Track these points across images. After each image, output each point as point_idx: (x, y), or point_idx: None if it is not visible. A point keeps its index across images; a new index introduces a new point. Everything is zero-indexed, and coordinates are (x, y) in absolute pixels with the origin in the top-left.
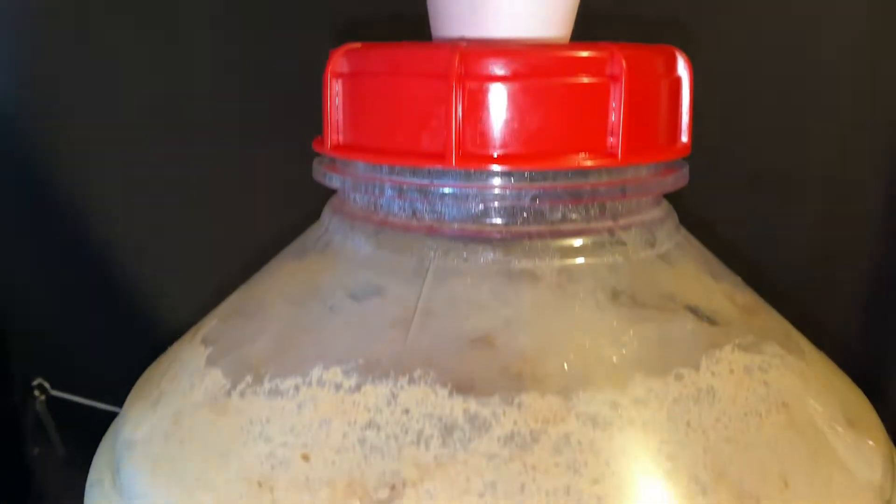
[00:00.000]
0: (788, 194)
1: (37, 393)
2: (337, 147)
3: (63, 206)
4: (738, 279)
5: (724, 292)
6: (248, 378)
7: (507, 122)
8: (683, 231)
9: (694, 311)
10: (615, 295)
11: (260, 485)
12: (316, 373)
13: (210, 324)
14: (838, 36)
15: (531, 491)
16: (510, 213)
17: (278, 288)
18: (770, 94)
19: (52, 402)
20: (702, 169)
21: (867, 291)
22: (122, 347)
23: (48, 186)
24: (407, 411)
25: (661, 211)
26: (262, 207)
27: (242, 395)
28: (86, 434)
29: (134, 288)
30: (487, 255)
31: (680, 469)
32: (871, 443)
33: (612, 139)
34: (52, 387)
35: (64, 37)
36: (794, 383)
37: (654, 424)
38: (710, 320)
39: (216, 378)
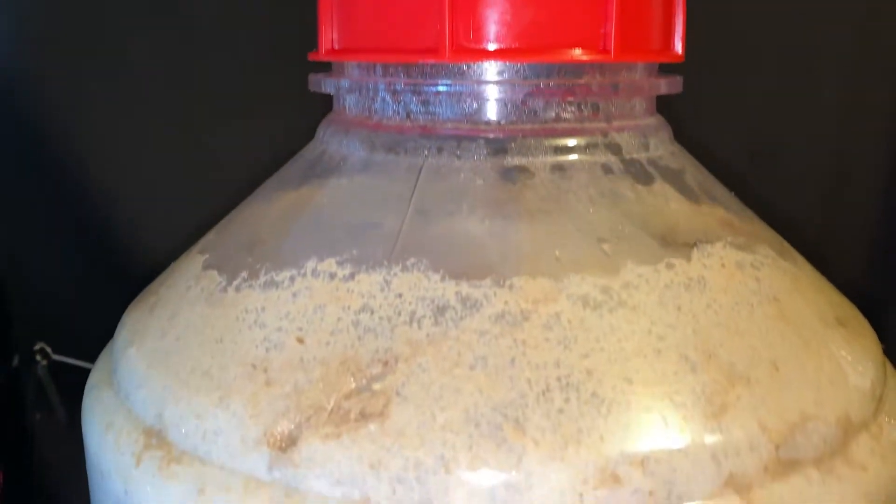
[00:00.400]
0: (789, 168)
1: (38, 357)
2: (331, 51)
3: (63, 171)
4: (732, 195)
5: (717, 198)
6: (244, 274)
7: (501, 16)
8: (678, 145)
9: (687, 209)
10: (608, 191)
11: (254, 367)
12: (311, 264)
13: (207, 237)
14: (839, 6)
15: (521, 364)
16: (504, 111)
17: (274, 196)
18: (770, 67)
19: (54, 366)
20: (701, 144)
21: (868, 269)
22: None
23: (49, 152)
24: (400, 295)
25: (656, 120)
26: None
27: (238, 289)
28: None
29: (137, 252)
30: (481, 153)
31: (670, 348)
32: (862, 340)
33: (605, 35)
34: (54, 351)
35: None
36: (786, 283)
37: (644, 307)
38: (703, 219)
39: (212, 277)
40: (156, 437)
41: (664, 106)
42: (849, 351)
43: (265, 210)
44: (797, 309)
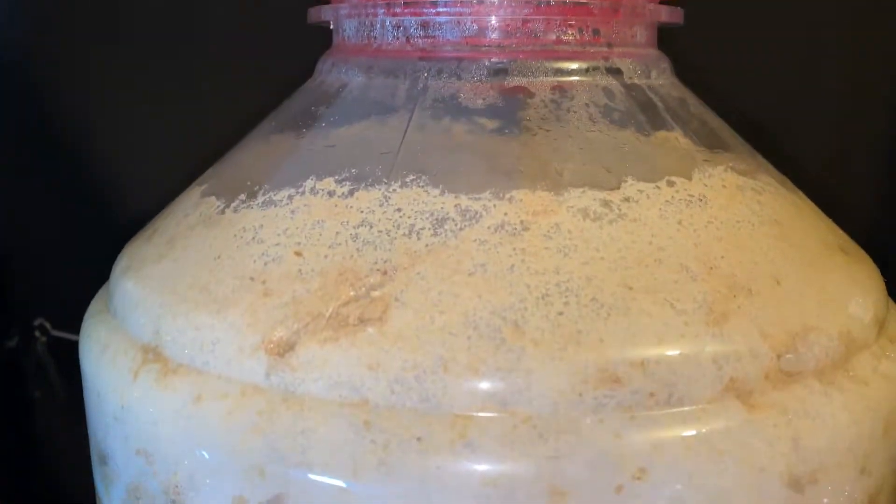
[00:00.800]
0: (790, 143)
1: (37, 334)
2: None
3: (63, 145)
4: (732, 130)
5: (717, 129)
6: (242, 196)
7: None
8: (678, 79)
9: (688, 133)
10: (609, 111)
11: (252, 279)
12: (309, 183)
13: (206, 174)
14: None
15: (520, 271)
16: (504, 33)
17: (273, 130)
18: (772, 39)
19: (53, 342)
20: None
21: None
22: None
23: (49, 125)
24: (399, 210)
25: (657, 53)
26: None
27: (236, 210)
28: None
29: (138, 227)
30: (481, 73)
31: (670, 258)
32: (864, 267)
33: None
34: (53, 327)
35: None
36: (789, 209)
37: (644, 220)
38: (704, 144)
39: (210, 203)
40: (152, 353)
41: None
42: (851, 274)
43: (264, 142)
44: (799, 233)
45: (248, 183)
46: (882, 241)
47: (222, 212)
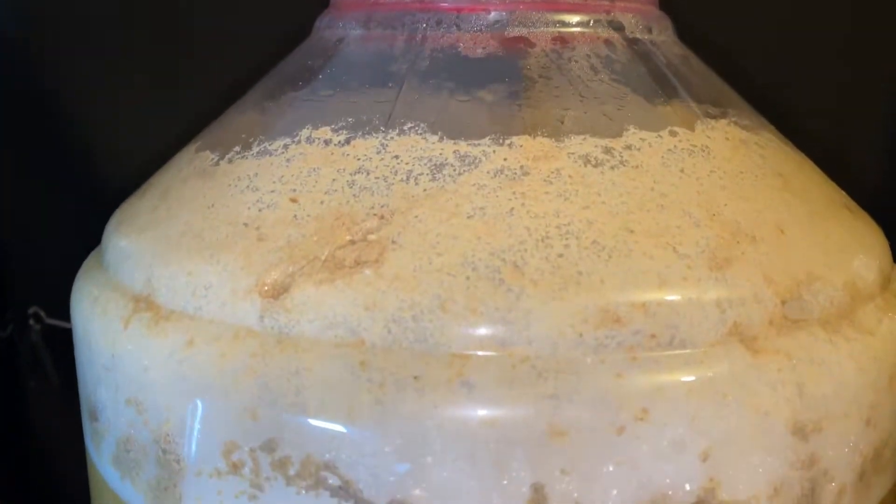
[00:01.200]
0: (789, 128)
1: (32, 322)
2: None
3: (58, 134)
4: (735, 93)
5: (719, 87)
6: (237, 148)
7: None
8: (680, 42)
9: (690, 87)
10: (610, 62)
11: (246, 225)
12: (305, 133)
13: (200, 134)
14: None
15: (520, 214)
16: None
17: (270, 80)
18: (772, 25)
19: (47, 330)
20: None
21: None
22: None
23: (42, 115)
24: (397, 157)
25: (660, 13)
26: None
27: (230, 161)
28: None
29: None
30: (481, 24)
31: (673, 204)
32: (868, 223)
33: None
34: (48, 315)
35: None
36: (792, 165)
37: (646, 167)
38: (706, 99)
39: (205, 156)
40: (144, 302)
41: None
42: (855, 230)
43: (260, 97)
44: (804, 187)
45: (243, 135)
46: (884, 220)
47: (216, 163)
